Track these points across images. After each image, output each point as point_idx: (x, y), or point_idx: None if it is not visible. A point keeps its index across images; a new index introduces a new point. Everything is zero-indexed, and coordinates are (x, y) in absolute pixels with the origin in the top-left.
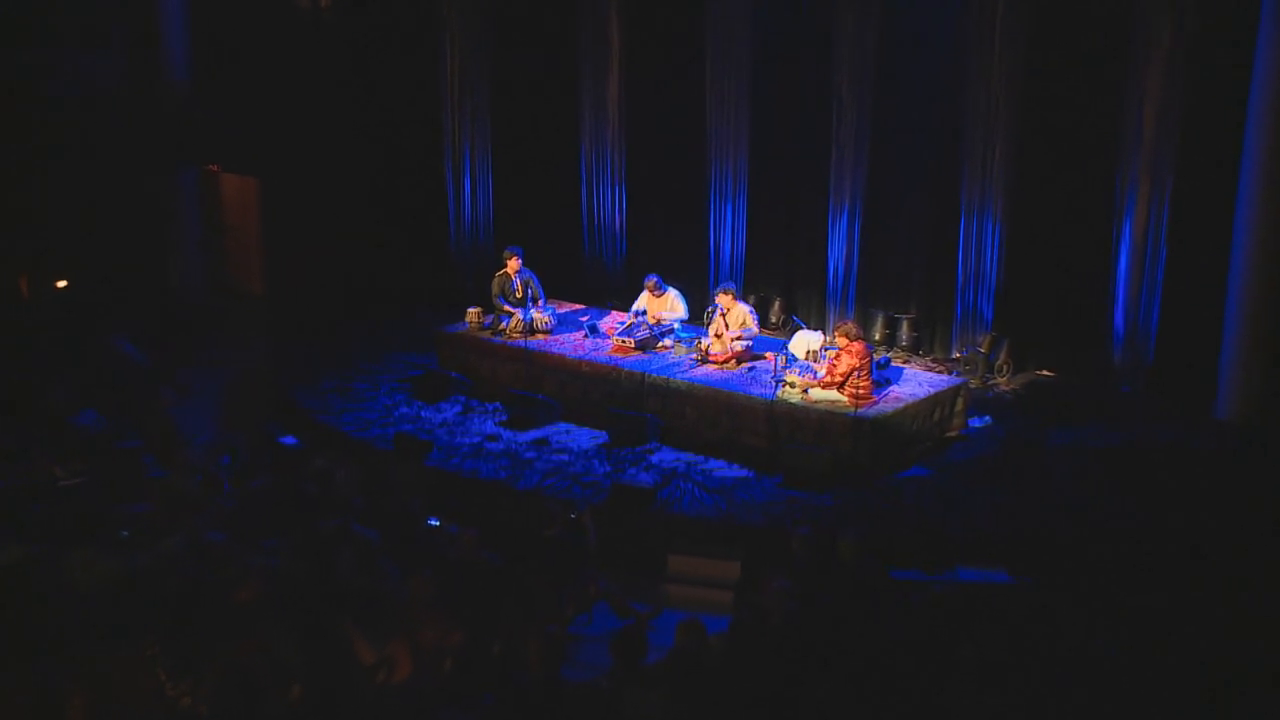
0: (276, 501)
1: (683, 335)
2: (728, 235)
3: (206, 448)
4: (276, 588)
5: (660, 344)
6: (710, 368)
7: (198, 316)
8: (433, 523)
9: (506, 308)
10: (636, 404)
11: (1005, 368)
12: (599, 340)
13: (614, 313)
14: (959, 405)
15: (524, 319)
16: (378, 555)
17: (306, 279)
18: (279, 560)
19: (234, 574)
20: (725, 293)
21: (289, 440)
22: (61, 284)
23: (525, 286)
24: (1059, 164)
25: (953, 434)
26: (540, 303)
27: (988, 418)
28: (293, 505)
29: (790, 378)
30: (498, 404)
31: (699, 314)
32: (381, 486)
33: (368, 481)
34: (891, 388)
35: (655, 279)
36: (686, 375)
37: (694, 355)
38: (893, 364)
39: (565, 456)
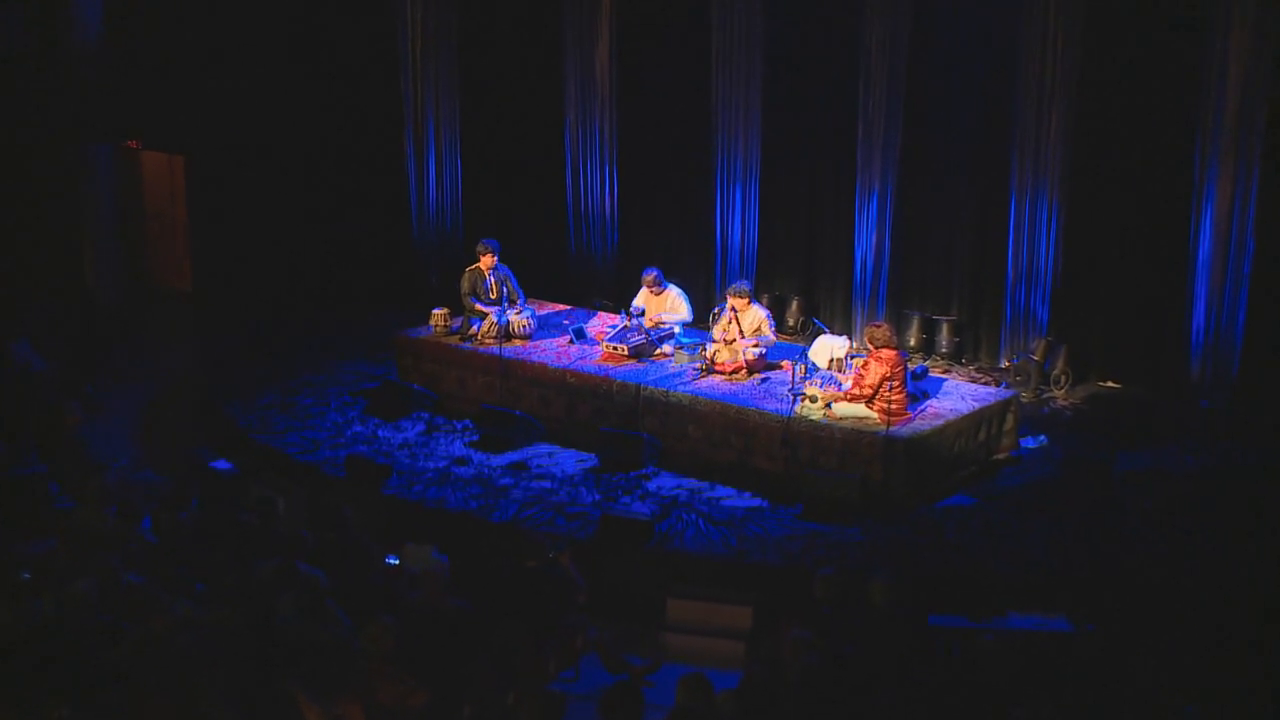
0: (207, 537)
1: (685, 341)
2: (737, 224)
3: (124, 474)
4: (207, 639)
5: (658, 351)
6: (717, 379)
7: (114, 318)
8: (391, 561)
9: (479, 309)
10: (631, 421)
11: (1063, 378)
12: (586, 347)
13: (604, 314)
14: (1009, 423)
15: (499, 322)
16: (326, 599)
17: (242, 274)
18: (210, 607)
19: (157, 623)
20: (738, 294)
21: (222, 465)
22: None
23: (500, 284)
24: (1126, 139)
25: (1001, 456)
26: (518, 303)
27: (1043, 437)
28: (227, 541)
29: (811, 390)
30: (468, 422)
31: (705, 315)
32: (331, 519)
33: (315, 513)
34: (929, 402)
35: (654, 274)
36: (689, 388)
37: (698, 364)
38: (931, 374)
39: (547, 483)
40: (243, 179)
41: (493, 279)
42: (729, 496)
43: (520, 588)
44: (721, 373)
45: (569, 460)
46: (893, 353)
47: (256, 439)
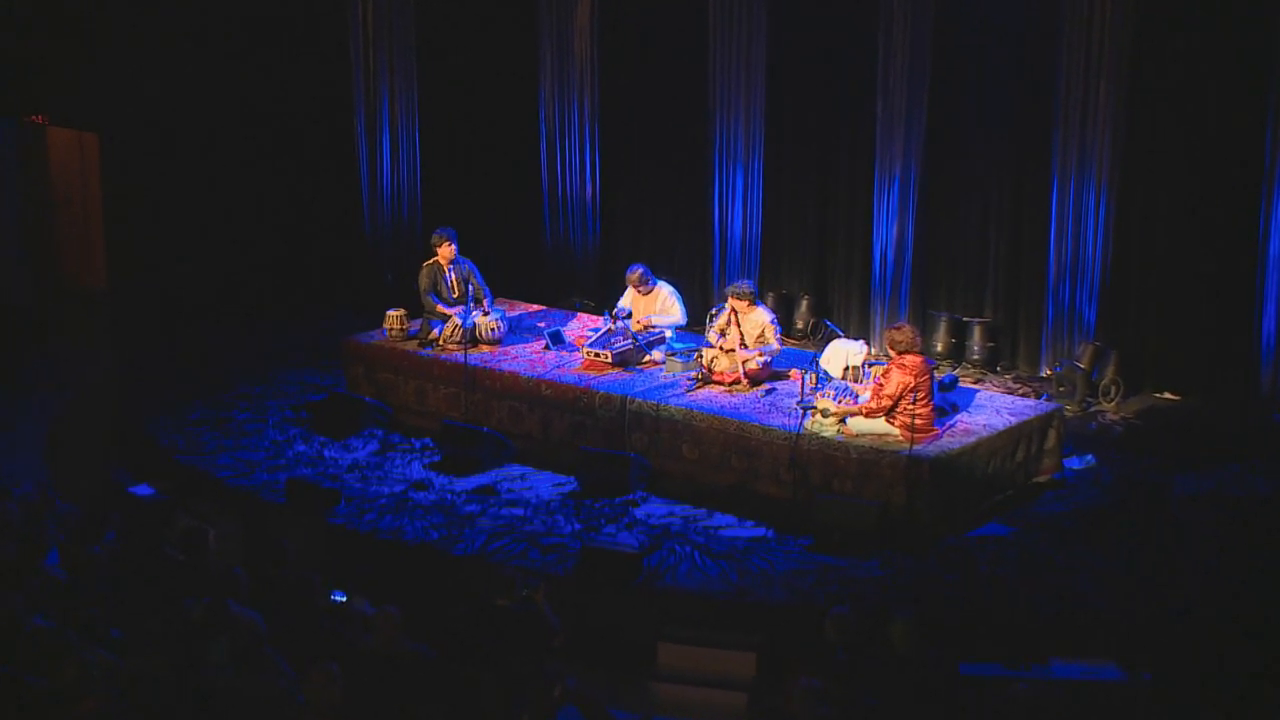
0: (126, 574)
1: (677, 346)
2: (738, 212)
3: (27, 501)
4: (126, 692)
5: (647, 358)
6: (715, 390)
7: (17, 319)
8: (338, 599)
9: (440, 309)
10: (615, 439)
11: (1113, 389)
12: (564, 353)
13: (585, 316)
14: (1051, 440)
15: (463, 324)
16: (264, 645)
17: (165, 270)
18: (130, 655)
19: (66, 675)
20: (739, 294)
21: (142, 490)
22: None
23: (464, 281)
24: (1185, 114)
25: (1042, 479)
26: (485, 303)
27: (1090, 457)
28: (148, 579)
29: (823, 404)
30: (427, 440)
31: (701, 317)
32: (269, 552)
33: (251, 546)
34: (959, 416)
35: (641, 270)
36: (683, 400)
37: (693, 373)
38: (961, 384)
39: (519, 510)
40: (165, 161)
41: (454, 275)
42: (729, 525)
43: (487, 630)
44: (720, 383)
45: (544, 484)
46: (917, 360)
47: (183, 460)
